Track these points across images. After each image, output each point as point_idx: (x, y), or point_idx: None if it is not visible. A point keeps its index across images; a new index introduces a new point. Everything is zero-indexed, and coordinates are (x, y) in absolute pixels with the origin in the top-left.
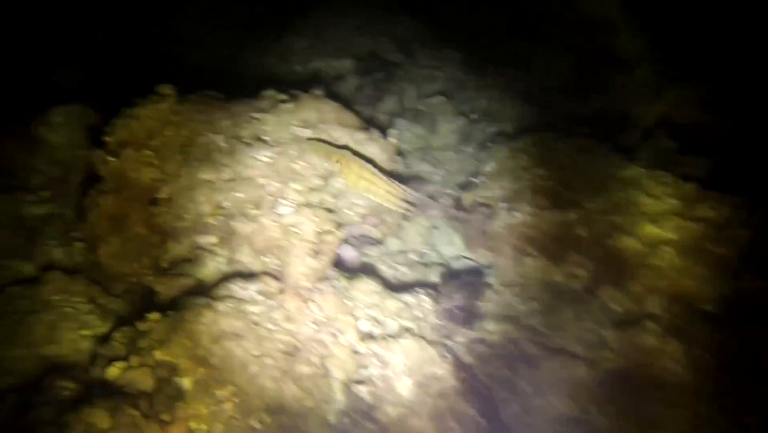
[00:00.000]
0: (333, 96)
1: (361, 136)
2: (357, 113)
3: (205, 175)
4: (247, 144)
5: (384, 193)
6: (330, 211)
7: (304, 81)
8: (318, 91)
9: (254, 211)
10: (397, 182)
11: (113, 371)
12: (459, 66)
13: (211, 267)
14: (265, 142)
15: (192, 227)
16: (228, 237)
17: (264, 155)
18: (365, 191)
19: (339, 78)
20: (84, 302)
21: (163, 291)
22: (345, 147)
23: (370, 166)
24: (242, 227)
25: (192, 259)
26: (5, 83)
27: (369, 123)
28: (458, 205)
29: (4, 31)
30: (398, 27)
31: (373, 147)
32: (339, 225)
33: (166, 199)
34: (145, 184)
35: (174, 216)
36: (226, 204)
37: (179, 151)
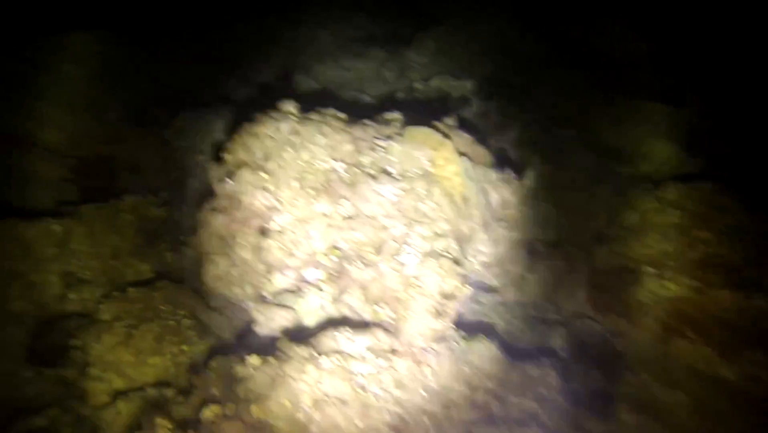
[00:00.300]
0: (459, 123)
1: (494, 175)
2: (488, 147)
3: (323, 207)
4: (371, 176)
5: None
6: (456, 262)
7: (427, 102)
8: (450, 121)
9: (373, 257)
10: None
11: (208, 414)
12: (587, 93)
13: (315, 303)
14: (389, 174)
15: (302, 264)
16: (339, 276)
17: (389, 191)
18: None
19: (463, 101)
20: (187, 316)
21: (262, 321)
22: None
23: None
24: (358, 271)
25: (295, 291)
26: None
27: (499, 158)
28: (588, 258)
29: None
30: (524, 46)
31: (506, 189)
32: (465, 279)
33: (277, 231)
34: (257, 210)
35: (284, 250)
36: (342, 245)
37: (296, 177)
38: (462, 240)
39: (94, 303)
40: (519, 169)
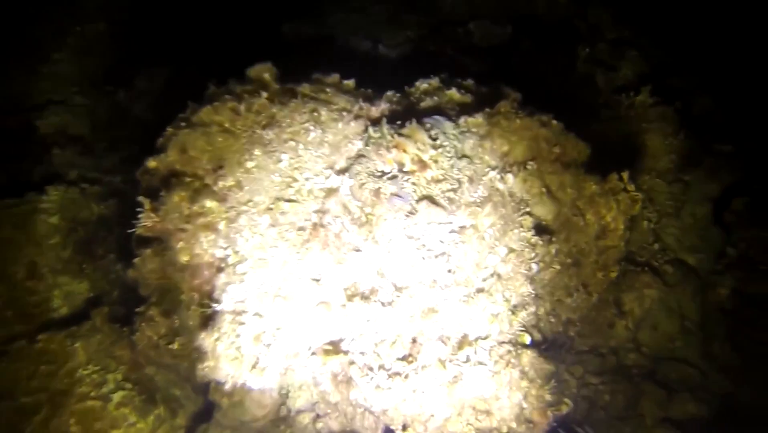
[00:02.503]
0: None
1: (595, 188)
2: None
3: (313, 269)
4: (403, 203)
5: None
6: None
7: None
8: (514, 93)
9: (404, 367)
10: None
11: None
12: None
13: None
14: (437, 203)
15: (277, 373)
16: (341, 405)
17: (439, 235)
18: None
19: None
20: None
21: None
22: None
23: None
24: (377, 396)
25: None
26: None
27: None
28: None
29: None
30: None
31: (611, 211)
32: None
33: (232, 314)
34: (199, 266)
35: (243, 345)
36: (350, 345)
37: (267, 206)
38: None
39: None
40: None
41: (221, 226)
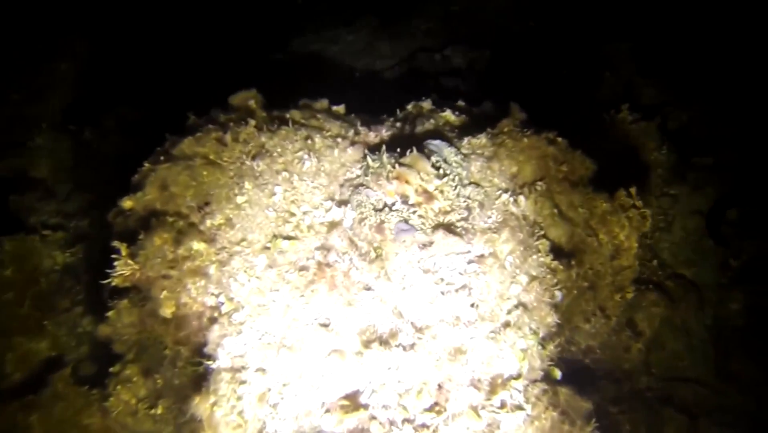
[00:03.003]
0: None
1: (606, 206)
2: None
3: (320, 313)
4: (414, 230)
5: None
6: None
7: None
8: (519, 113)
9: (434, 419)
10: None
11: None
12: None
13: None
14: (454, 232)
15: None
16: None
17: (456, 267)
18: None
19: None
20: None
21: None
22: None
23: None
24: None
25: None
26: None
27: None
28: None
29: None
30: None
31: (624, 229)
32: None
33: (230, 371)
34: (189, 317)
35: (244, 408)
36: (370, 398)
37: (262, 246)
38: None
39: None
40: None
41: (212, 270)
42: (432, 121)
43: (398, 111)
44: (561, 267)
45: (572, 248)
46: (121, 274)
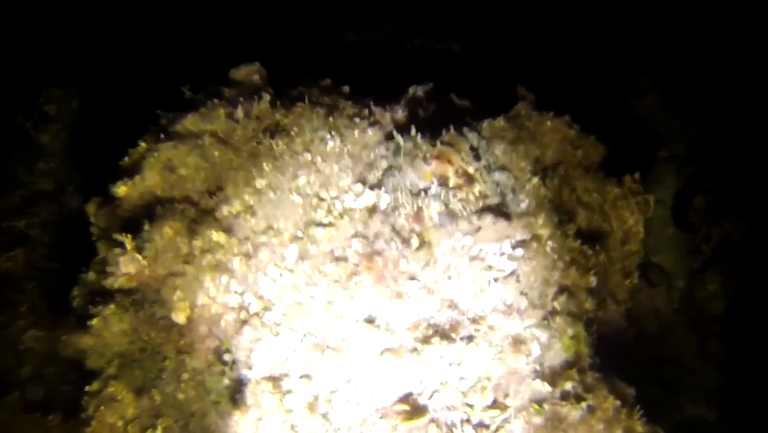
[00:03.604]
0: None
1: (617, 192)
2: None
3: (366, 309)
4: (451, 223)
5: None
6: None
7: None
8: (529, 94)
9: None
10: None
11: None
12: None
13: None
14: (501, 215)
15: None
16: None
17: (504, 256)
18: None
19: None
20: None
21: None
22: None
23: None
24: None
25: None
26: None
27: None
28: None
29: None
30: None
31: (634, 215)
32: None
33: (262, 385)
34: (204, 321)
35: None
36: (430, 400)
37: (292, 234)
38: None
39: None
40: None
41: (236, 264)
42: (439, 104)
43: (404, 93)
44: (591, 252)
45: (592, 233)
46: (127, 273)
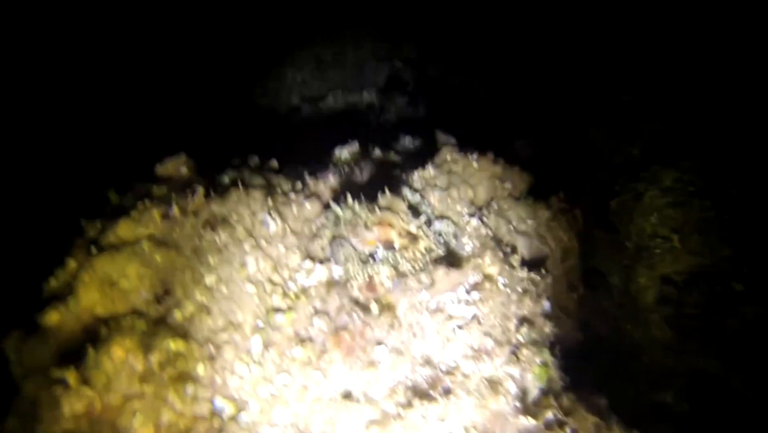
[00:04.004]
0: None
1: (548, 214)
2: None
3: (350, 374)
4: (405, 284)
5: None
6: None
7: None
8: (450, 139)
9: None
10: None
11: None
12: None
13: None
14: (452, 266)
15: None
16: None
17: (461, 303)
18: None
19: None
20: None
21: None
22: None
23: None
24: None
25: None
26: None
27: None
28: None
29: None
30: None
31: (567, 232)
32: None
33: None
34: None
35: None
36: None
37: (255, 315)
38: None
39: None
40: None
41: (200, 370)
42: (367, 161)
43: (332, 154)
44: (539, 277)
45: (534, 259)
46: (73, 412)
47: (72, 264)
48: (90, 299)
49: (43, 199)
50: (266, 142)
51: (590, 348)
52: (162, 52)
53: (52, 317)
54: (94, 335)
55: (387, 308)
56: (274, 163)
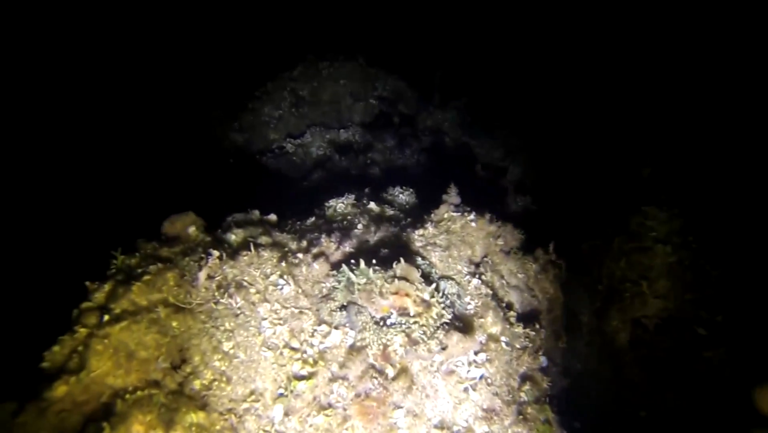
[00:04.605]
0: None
1: (535, 267)
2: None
3: None
4: (420, 351)
5: None
6: None
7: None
8: (452, 197)
9: None
10: None
11: None
12: None
13: None
14: (464, 332)
15: None
16: None
17: (470, 364)
18: None
19: None
20: None
21: None
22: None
23: None
24: None
25: None
26: None
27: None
28: None
29: None
30: None
31: (552, 283)
32: None
33: None
34: None
35: None
36: None
37: (276, 383)
38: None
39: None
40: None
41: None
42: (365, 216)
43: (325, 207)
44: (533, 333)
45: (526, 313)
46: None
47: (82, 332)
48: (103, 370)
49: (35, 256)
50: (250, 187)
51: (574, 394)
52: (134, 87)
53: (59, 390)
54: (107, 408)
55: (402, 371)
56: (273, 217)
